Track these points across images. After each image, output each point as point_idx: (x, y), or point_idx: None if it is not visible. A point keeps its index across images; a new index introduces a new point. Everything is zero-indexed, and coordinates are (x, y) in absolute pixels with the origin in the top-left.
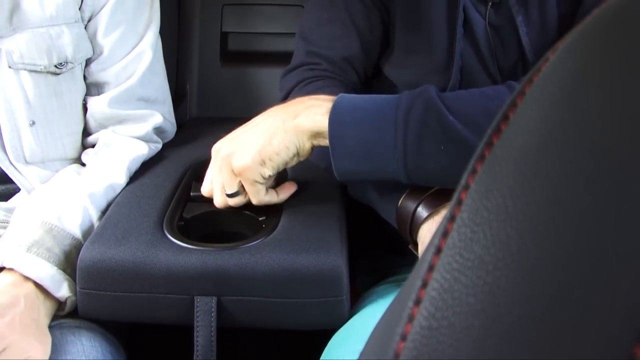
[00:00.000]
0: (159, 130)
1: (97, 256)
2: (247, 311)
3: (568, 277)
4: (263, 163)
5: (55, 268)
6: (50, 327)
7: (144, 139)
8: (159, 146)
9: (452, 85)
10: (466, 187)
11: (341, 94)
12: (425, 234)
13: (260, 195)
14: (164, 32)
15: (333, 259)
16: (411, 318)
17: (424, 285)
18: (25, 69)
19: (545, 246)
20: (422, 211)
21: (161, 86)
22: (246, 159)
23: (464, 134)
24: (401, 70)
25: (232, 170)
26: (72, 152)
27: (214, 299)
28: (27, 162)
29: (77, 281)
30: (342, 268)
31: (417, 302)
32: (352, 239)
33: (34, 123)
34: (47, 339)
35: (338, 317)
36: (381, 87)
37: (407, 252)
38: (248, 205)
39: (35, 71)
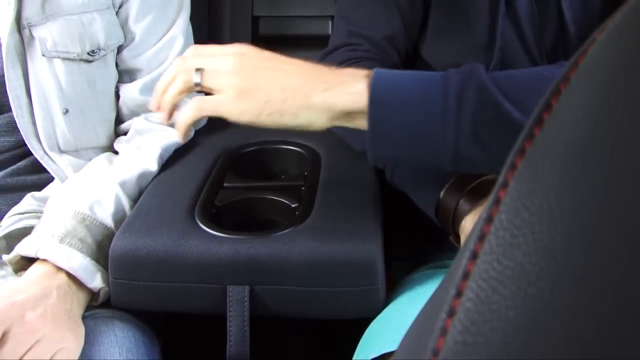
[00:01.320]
0: None
1: (129, 246)
2: (280, 300)
3: (621, 290)
4: (258, 114)
5: (88, 259)
6: (84, 318)
7: None
8: (192, 133)
9: (493, 65)
10: (505, 184)
11: (377, 69)
12: (468, 227)
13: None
14: (194, 18)
15: (368, 246)
16: (444, 331)
17: (459, 294)
18: (58, 57)
19: (595, 254)
20: (464, 204)
21: None
22: (248, 103)
23: (521, 122)
24: (439, 50)
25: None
26: (105, 140)
27: (247, 288)
28: (60, 151)
29: (109, 271)
30: (378, 256)
31: (451, 313)
32: (386, 224)
33: (67, 111)
34: (80, 330)
35: (374, 306)
36: (421, 69)
37: (444, 237)
38: (281, 192)
39: (69, 59)
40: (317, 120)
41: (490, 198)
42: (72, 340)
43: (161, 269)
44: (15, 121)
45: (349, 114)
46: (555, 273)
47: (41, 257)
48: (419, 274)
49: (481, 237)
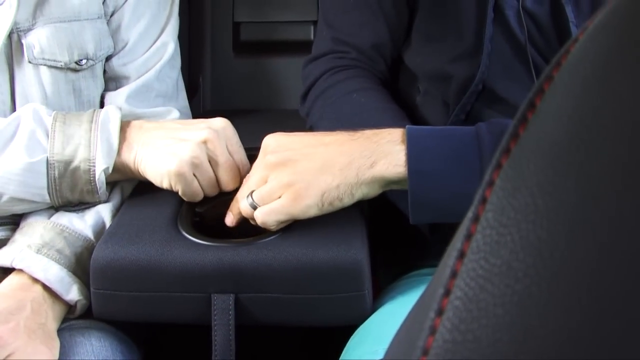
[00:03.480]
0: None
1: (111, 255)
2: (265, 308)
3: (607, 285)
4: (321, 206)
5: (65, 270)
6: (60, 330)
7: None
8: None
9: (481, 72)
10: (490, 183)
11: (409, 129)
12: None
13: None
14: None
15: (354, 252)
16: (433, 330)
17: (447, 293)
18: (45, 65)
19: (580, 250)
20: None
21: (178, 80)
22: (308, 201)
23: None
24: (425, 57)
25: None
26: None
27: (232, 297)
28: None
29: (90, 282)
30: (364, 261)
31: (439, 312)
32: (372, 230)
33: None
34: (55, 343)
35: (360, 313)
36: (404, 76)
37: (430, 245)
38: None
39: (55, 67)
40: (371, 191)
41: (476, 197)
42: (46, 354)
43: (143, 278)
44: None
45: (396, 183)
46: (542, 270)
47: (17, 267)
48: (405, 282)
49: (468, 236)
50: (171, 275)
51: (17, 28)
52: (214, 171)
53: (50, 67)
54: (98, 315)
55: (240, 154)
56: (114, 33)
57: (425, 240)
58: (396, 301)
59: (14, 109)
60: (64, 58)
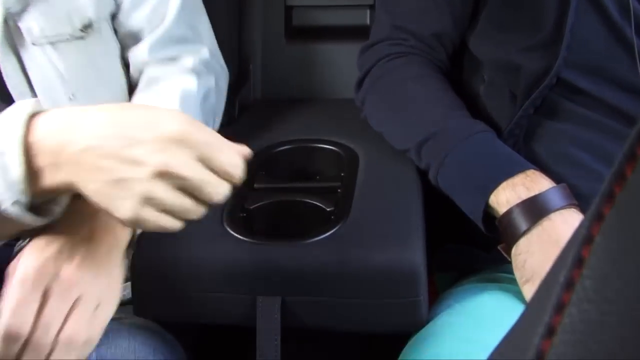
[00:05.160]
0: (206, 66)
1: (153, 254)
2: (313, 313)
3: None
4: None
5: None
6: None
7: (194, 71)
8: (211, 81)
9: (558, 65)
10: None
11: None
12: (524, 251)
13: None
14: (224, 10)
15: (410, 255)
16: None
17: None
18: (50, 43)
19: None
20: (519, 218)
21: (199, 22)
22: None
23: None
24: (493, 46)
25: None
26: None
27: (278, 300)
28: None
29: (132, 280)
30: (420, 265)
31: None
32: (429, 230)
33: (74, 96)
34: (119, 272)
35: (415, 320)
36: (467, 65)
37: (491, 246)
38: (316, 195)
39: (61, 41)
40: None
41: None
42: (110, 291)
43: (187, 278)
44: None
45: None
46: None
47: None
48: (464, 288)
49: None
50: (215, 275)
51: (9, 13)
52: (192, 192)
53: (56, 43)
54: (141, 314)
55: (218, 148)
56: None
57: (482, 242)
58: (455, 310)
59: (32, 94)
60: (66, 29)
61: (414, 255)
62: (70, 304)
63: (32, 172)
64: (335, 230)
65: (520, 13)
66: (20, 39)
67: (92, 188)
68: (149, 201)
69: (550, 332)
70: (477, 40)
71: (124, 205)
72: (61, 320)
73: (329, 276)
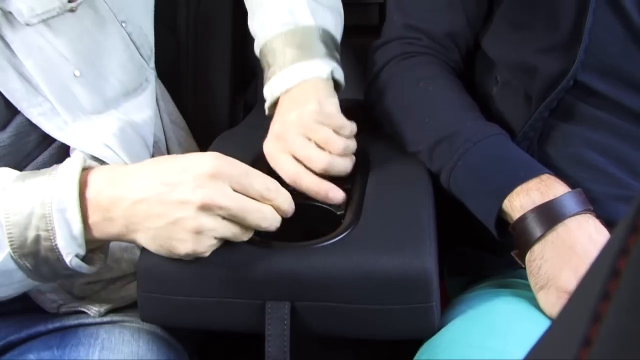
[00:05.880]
0: None
1: (159, 258)
2: (324, 318)
3: None
4: None
5: None
6: (112, 323)
7: None
8: None
9: (575, 67)
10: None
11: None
12: (538, 258)
13: None
14: (230, 8)
15: (421, 260)
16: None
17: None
18: (41, 21)
19: None
20: (533, 224)
21: None
22: None
23: None
24: (508, 47)
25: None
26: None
27: (288, 305)
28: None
29: (137, 284)
30: (432, 270)
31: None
32: (440, 234)
33: (80, 73)
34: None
35: (427, 327)
36: (481, 65)
37: (504, 251)
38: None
39: (53, 17)
40: None
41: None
42: None
43: (193, 282)
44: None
45: None
46: None
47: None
48: (477, 293)
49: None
50: (222, 280)
51: None
52: (237, 220)
53: (48, 20)
54: (146, 319)
55: (253, 179)
56: None
57: (499, 245)
58: (468, 316)
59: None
60: (55, 3)
61: (426, 260)
62: None
63: (87, 227)
64: (346, 235)
65: (536, 13)
66: (14, 22)
67: (148, 235)
68: (202, 233)
69: (587, 342)
70: (491, 41)
71: (183, 243)
72: None
73: (339, 281)
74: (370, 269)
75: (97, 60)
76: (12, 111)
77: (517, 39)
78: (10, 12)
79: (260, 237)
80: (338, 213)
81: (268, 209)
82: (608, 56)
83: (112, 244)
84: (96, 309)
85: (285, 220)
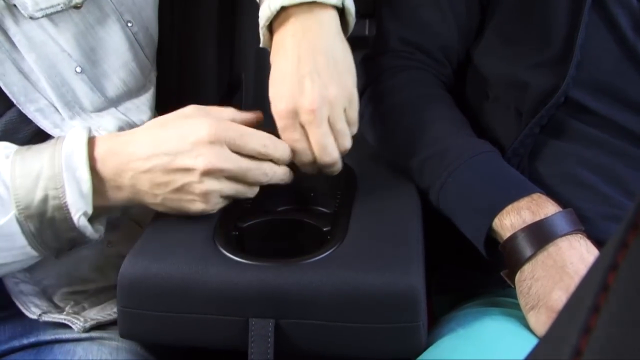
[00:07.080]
0: None
1: (140, 271)
2: (308, 336)
3: None
4: None
5: None
6: (90, 340)
7: None
8: None
9: (566, 83)
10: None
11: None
12: (528, 277)
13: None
14: (217, 16)
15: (408, 277)
16: None
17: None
18: (45, 15)
19: None
20: (523, 243)
21: None
22: None
23: None
24: (498, 62)
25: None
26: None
27: (272, 322)
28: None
29: (117, 299)
30: (419, 289)
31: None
32: (427, 251)
33: (81, 69)
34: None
35: (413, 347)
36: (471, 80)
37: (492, 269)
38: (311, 213)
39: (56, 12)
40: None
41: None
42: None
43: (175, 298)
44: None
45: None
46: None
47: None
48: (465, 312)
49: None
50: (205, 296)
51: None
52: (239, 179)
53: (51, 14)
54: (125, 335)
55: (251, 137)
56: None
57: (483, 265)
58: (458, 334)
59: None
60: None
61: (412, 278)
62: None
63: (96, 190)
64: (332, 251)
65: (528, 27)
66: (18, 14)
67: (157, 201)
68: (210, 194)
69: (577, 353)
70: (483, 55)
71: (194, 205)
72: None
73: (325, 299)
74: (357, 286)
75: (99, 58)
76: (3, 107)
77: (508, 53)
78: (15, 5)
79: (243, 251)
80: (324, 229)
81: (266, 165)
82: (601, 73)
83: (94, 253)
84: (81, 323)
85: (270, 236)
